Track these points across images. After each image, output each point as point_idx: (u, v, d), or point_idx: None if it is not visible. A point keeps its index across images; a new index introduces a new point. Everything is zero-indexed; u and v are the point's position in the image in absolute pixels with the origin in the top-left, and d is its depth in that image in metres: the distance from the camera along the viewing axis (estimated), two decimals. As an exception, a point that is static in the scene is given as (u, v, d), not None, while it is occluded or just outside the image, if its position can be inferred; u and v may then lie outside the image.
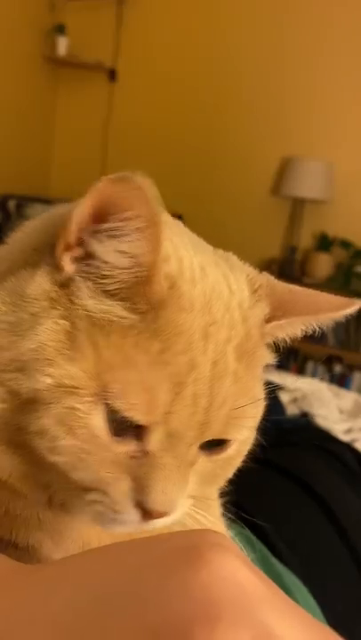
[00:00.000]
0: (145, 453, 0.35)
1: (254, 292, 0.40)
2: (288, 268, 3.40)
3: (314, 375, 3.20)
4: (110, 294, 0.34)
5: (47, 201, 3.29)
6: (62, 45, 3.76)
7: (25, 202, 3.21)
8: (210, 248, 0.44)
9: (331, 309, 0.41)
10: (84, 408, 0.33)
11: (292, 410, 1.33)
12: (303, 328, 0.42)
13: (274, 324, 0.39)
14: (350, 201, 3.39)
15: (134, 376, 0.33)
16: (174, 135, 3.75)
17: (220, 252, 0.44)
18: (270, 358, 0.42)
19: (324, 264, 3.40)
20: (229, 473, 0.43)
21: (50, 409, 0.33)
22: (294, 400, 1.42)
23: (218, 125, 3.65)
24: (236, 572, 0.26)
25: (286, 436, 1.04)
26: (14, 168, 3.55)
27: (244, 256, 0.44)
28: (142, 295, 0.33)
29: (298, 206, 3.49)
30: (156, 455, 0.35)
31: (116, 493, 0.35)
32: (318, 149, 3.41)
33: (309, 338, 0.43)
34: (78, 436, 0.33)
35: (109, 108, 3.91)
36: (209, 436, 0.36)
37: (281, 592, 0.26)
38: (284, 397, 1.37)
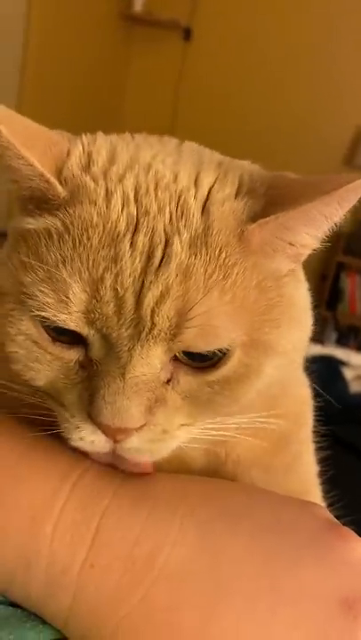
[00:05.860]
0: (91, 362, 0.34)
1: (250, 190, 0.36)
2: (356, 242, 3.28)
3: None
4: (25, 201, 0.36)
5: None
6: (138, 1, 3.69)
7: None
8: (187, 150, 0.41)
9: (328, 190, 0.34)
10: (15, 314, 0.34)
11: (356, 387, 1.30)
12: (308, 232, 0.36)
13: (260, 221, 0.34)
14: None
15: (43, 275, 0.33)
16: (245, 100, 3.66)
17: (217, 157, 0.42)
18: (286, 265, 0.37)
19: (395, 240, 3.27)
20: (233, 399, 0.36)
21: None
22: (358, 377, 1.38)
23: (290, 91, 3.54)
24: None
25: (352, 412, 1.01)
26: (86, 125, 3.54)
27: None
28: (48, 200, 0.35)
29: (371, 178, 3.36)
30: (100, 362, 0.34)
31: (70, 402, 0.35)
32: None
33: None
34: (18, 342, 0.35)
35: (182, 67, 3.84)
36: (160, 340, 0.33)
37: None
38: (348, 374, 1.34)
